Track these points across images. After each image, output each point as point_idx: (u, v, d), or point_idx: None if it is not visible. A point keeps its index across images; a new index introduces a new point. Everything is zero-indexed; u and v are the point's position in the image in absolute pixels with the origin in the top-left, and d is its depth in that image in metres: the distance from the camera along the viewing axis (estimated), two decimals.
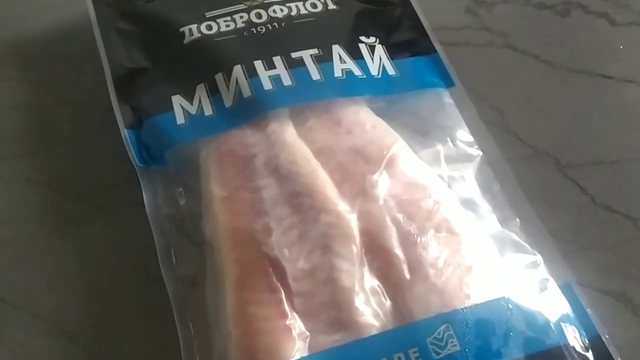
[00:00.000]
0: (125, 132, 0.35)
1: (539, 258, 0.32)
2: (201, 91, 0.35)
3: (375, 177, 0.32)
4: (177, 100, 0.35)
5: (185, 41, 0.37)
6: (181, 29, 0.37)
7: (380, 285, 0.30)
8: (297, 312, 0.29)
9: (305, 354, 0.28)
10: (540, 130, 0.39)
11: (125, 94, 0.36)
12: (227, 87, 0.34)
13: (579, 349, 0.29)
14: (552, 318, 0.29)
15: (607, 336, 0.30)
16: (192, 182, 0.33)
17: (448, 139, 0.36)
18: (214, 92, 0.34)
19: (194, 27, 0.37)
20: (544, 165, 0.38)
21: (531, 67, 0.42)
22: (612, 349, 0.29)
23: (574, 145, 0.39)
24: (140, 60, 0.37)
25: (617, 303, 0.33)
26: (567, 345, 0.29)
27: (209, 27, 0.37)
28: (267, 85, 0.34)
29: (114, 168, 0.36)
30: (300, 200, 0.30)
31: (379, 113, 0.35)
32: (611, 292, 0.33)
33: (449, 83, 0.38)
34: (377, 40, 0.38)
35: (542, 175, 0.38)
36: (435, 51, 0.38)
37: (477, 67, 0.41)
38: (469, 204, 0.33)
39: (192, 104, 0.34)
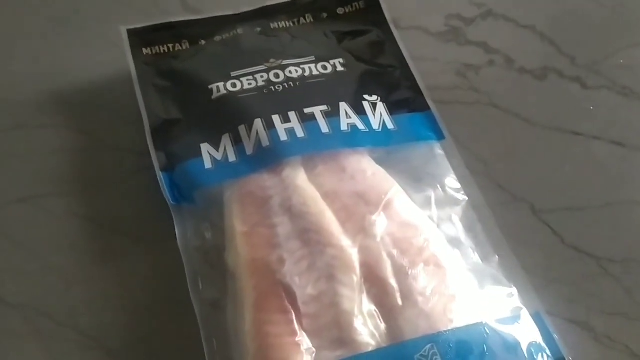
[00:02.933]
0: (160, 174, 0.39)
1: (513, 290, 0.36)
2: (226, 140, 0.39)
3: (374, 217, 0.36)
4: (206, 148, 0.39)
5: (213, 97, 0.41)
6: (210, 86, 0.42)
7: (377, 310, 0.34)
8: (305, 331, 0.33)
9: None
10: (518, 179, 0.43)
11: (160, 141, 0.41)
12: (249, 137, 0.39)
13: None
14: (524, 342, 0.33)
15: (571, 358, 0.34)
16: (217, 219, 0.38)
17: (438, 185, 0.40)
18: (237, 142, 0.39)
19: (221, 84, 0.42)
20: (521, 210, 0.42)
21: (512, 124, 0.46)
22: None
23: (548, 193, 0.43)
24: (174, 112, 0.42)
25: (581, 331, 0.36)
26: None
27: (234, 85, 0.42)
28: (283, 136, 0.38)
29: (149, 205, 0.40)
30: (310, 236, 0.35)
31: (379, 162, 0.40)
32: (576, 321, 0.37)
33: (440, 136, 0.42)
34: (379, 98, 0.42)
35: (519, 218, 0.42)
36: (429, 108, 0.43)
37: (465, 123, 0.45)
38: (455, 242, 0.38)
39: (218, 151, 0.39)
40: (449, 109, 0.45)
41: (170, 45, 0.46)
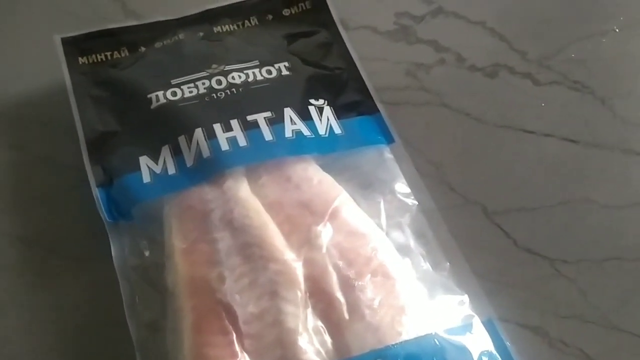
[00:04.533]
0: (96, 191, 0.37)
1: (465, 297, 0.35)
2: (165, 152, 0.37)
3: (319, 228, 0.35)
4: (144, 161, 0.37)
5: (152, 106, 0.40)
6: (149, 95, 0.40)
7: (323, 326, 0.32)
8: (247, 352, 0.31)
9: None
10: (470, 180, 0.42)
11: (97, 154, 0.39)
12: (189, 148, 0.37)
13: None
14: (475, 351, 0.32)
15: None
16: (156, 235, 0.36)
17: (387, 191, 0.39)
18: (177, 153, 0.37)
19: (160, 93, 0.40)
20: (472, 213, 0.41)
21: (463, 123, 0.45)
22: None
23: (500, 194, 0.42)
24: (112, 124, 0.40)
25: (534, 336, 0.35)
26: None
27: (174, 94, 0.40)
28: (225, 146, 0.37)
29: (85, 223, 0.39)
30: (252, 251, 0.33)
31: (326, 168, 0.38)
32: (529, 326, 0.36)
33: (389, 140, 0.41)
34: (326, 102, 0.41)
35: (471, 221, 0.41)
36: (378, 111, 0.42)
37: (416, 124, 0.44)
38: (404, 249, 0.37)
39: (157, 164, 0.37)
40: (399, 110, 0.44)
41: (108, 53, 0.44)
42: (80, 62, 0.43)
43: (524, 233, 0.41)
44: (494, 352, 0.33)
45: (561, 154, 0.44)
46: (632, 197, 0.42)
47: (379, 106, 0.42)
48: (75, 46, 0.44)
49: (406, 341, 0.32)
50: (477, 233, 0.40)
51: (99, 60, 0.44)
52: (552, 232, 0.41)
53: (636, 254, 0.40)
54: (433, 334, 0.32)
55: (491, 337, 0.34)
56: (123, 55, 0.44)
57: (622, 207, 0.42)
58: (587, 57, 0.48)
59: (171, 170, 0.37)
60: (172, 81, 0.41)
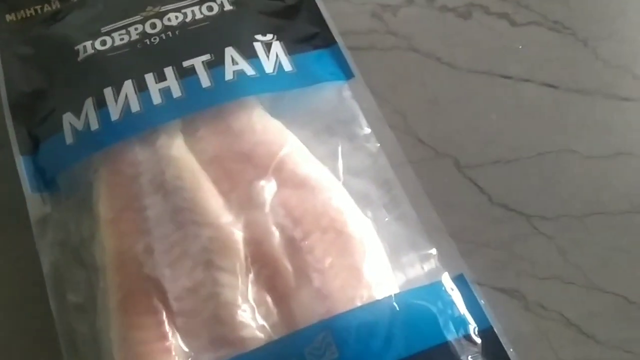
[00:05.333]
0: (20, 159, 0.34)
1: (433, 251, 0.31)
2: (88, 105, 0.33)
3: (262, 183, 0.31)
4: (67, 119, 0.34)
5: (79, 58, 0.36)
6: (76, 47, 0.36)
7: (269, 296, 0.29)
8: (179, 332, 0.28)
9: None
10: (441, 131, 0.40)
11: (22, 119, 0.35)
12: (116, 101, 0.33)
13: (470, 342, 0.28)
14: (443, 313, 0.29)
15: (499, 327, 0.29)
16: (84, 205, 0.32)
17: (346, 133, 0.35)
18: (101, 106, 0.33)
19: (88, 43, 0.36)
20: (443, 167, 0.38)
21: (434, 69, 0.42)
22: (504, 341, 0.29)
23: (474, 146, 0.39)
24: (38, 83, 0.36)
25: (510, 300, 0.32)
26: (456, 339, 0.28)
27: (103, 43, 0.36)
28: (157, 99, 0.33)
29: (15, 191, 0.35)
30: (183, 216, 0.30)
31: (278, 112, 0.34)
32: (505, 290, 0.33)
33: (348, 75, 0.37)
34: (275, 36, 0.37)
35: (442, 176, 0.38)
36: (335, 42, 0.37)
37: (382, 70, 0.41)
38: (365, 200, 0.33)
39: (79, 120, 0.33)
40: (363, 56, 0.41)
41: (39, 7, 0.40)
42: (8, 20, 0.40)
43: (499, 188, 0.38)
44: (466, 311, 0.29)
45: (540, 100, 0.41)
46: (615, 145, 0.39)
47: (336, 37, 0.38)
48: (2, 1, 0.40)
49: (359, 307, 0.28)
50: (448, 189, 0.38)
51: (28, 15, 0.40)
52: (529, 186, 0.38)
53: (620, 208, 0.37)
54: (392, 297, 0.28)
55: (462, 295, 0.30)
56: (54, 7, 0.40)
57: (605, 156, 0.39)
58: None
59: (94, 125, 0.33)
60: (102, 29, 0.37)
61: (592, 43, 0.43)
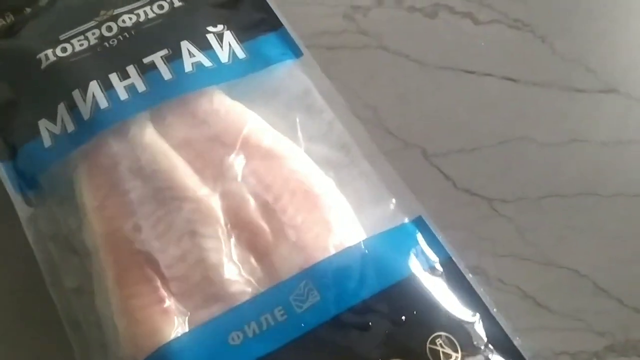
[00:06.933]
0: (0, 165, 0.35)
1: (392, 200, 0.34)
2: (62, 110, 0.35)
3: (231, 158, 0.33)
4: (43, 125, 0.35)
5: (42, 67, 0.37)
6: (38, 56, 0.38)
7: (251, 255, 0.32)
8: (174, 295, 0.31)
9: (187, 330, 0.30)
10: (410, 124, 0.42)
11: None
12: (84, 101, 0.35)
13: (431, 272, 0.32)
14: (405, 251, 0.32)
15: (457, 256, 0.33)
16: (68, 199, 0.34)
17: (302, 106, 0.37)
18: (72, 108, 0.35)
19: (49, 51, 0.38)
20: (412, 156, 0.41)
21: (403, 66, 0.44)
22: (462, 267, 0.32)
23: (440, 136, 0.42)
24: (7, 93, 0.38)
25: (473, 276, 0.34)
26: (420, 271, 0.31)
27: (64, 50, 0.38)
28: (123, 95, 0.35)
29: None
30: (164, 195, 0.32)
31: (237, 95, 0.36)
32: (468, 267, 0.34)
33: (297, 53, 0.39)
34: (225, 27, 0.39)
35: (411, 164, 0.40)
36: (282, 25, 0.39)
37: (354, 68, 0.44)
38: (326, 163, 0.35)
39: (55, 125, 0.35)
40: (336, 55, 0.44)
41: None
42: None
43: (463, 174, 0.40)
44: (427, 247, 0.32)
45: (501, 93, 0.44)
46: (569, 133, 0.42)
47: (282, 20, 0.40)
48: None
49: (332, 255, 0.31)
50: (416, 176, 0.39)
51: None
52: (491, 172, 0.41)
53: (573, 190, 0.40)
54: (361, 242, 0.32)
55: (422, 234, 0.33)
56: (9, 21, 0.41)
57: (560, 144, 0.42)
58: None
59: (70, 127, 0.35)
60: (60, 37, 0.38)
61: (549, 39, 0.45)
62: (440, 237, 0.33)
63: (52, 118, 0.35)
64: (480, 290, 0.32)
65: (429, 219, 0.34)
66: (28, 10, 0.41)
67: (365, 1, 0.47)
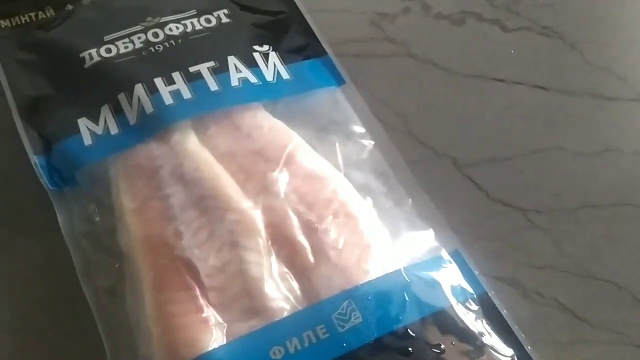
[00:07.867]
0: (34, 159, 0.35)
1: (430, 231, 0.34)
2: (106, 112, 0.35)
3: (275, 174, 0.33)
4: (84, 123, 0.35)
5: (86, 65, 0.37)
6: (81, 54, 0.38)
7: (289, 272, 0.31)
8: (212, 306, 0.30)
9: (224, 342, 0.29)
10: (439, 132, 0.41)
11: (32, 121, 0.37)
12: (130, 105, 0.35)
13: (468, 305, 0.32)
14: (444, 282, 0.32)
15: (492, 293, 0.33)
16: (104, 198, 0.34)
17: (342, 132, 0.38)
18: (118, 112, 0.35)
19: (93, 51, 0.38)
20: (443, 166, 0.40)
21: (431, 74, 0.44)
22: (497, 303, 0.32)
23: (471, 145, 0.41)
24: (44, 87, 0.38)
25: (509, 288, 0.35)
26: (458, 303, 0.32)
27: (109, 50, 0.38)
28: (168, 100, 0.35)
29: (31, 194, 0.36)
30: (207, 203, 0.32)
31: (277, 115, 0.37)
32: (503, 278, 0.35)
33: (340, 81, 0.40)
34: (271, 47, 0.39)
35: (442, 174, 0.40)
36: (326, 53, 0.40)
37: (382, 76, 0.43)
38: (365, 189, 0.35)
39: (97, 125, 0.35)
40: (364, 63, 0.43)
41: (32, 14, 0.41)
42: (3, 26, 0.40)
43: (496, 184, 0.40)
44: (463, 281, 0.33)
45: (532, 101, 0.43)
46: (602, 143, 0.42)
47: (326, 48, 0.41)
48: None
49: (374, 279, 0.31)
50: (448, 186, 0.39)
51: (23, 22, 0.41)
52: (524, 182, 0.40)
53: (608, 200, 0.40)
54: (401, 269, 0.32)
55: (459, 267, 0.33)
56: (49, 15, 0.41)
57: (593, 154, 0.41)
58: (554, 1, 0.47)
59: (113, 130, 0.35)
60: (104, 38, 0.38)
61: (579, 46, 0.45)
62: (476, 272, 0.33)
63: (94, 118, 0.35)
64: (515, 327, 0.32)
65: (463, 230, 0.34)
66: (70, 7, 0.41)
67: (391, 8, 0.46)
